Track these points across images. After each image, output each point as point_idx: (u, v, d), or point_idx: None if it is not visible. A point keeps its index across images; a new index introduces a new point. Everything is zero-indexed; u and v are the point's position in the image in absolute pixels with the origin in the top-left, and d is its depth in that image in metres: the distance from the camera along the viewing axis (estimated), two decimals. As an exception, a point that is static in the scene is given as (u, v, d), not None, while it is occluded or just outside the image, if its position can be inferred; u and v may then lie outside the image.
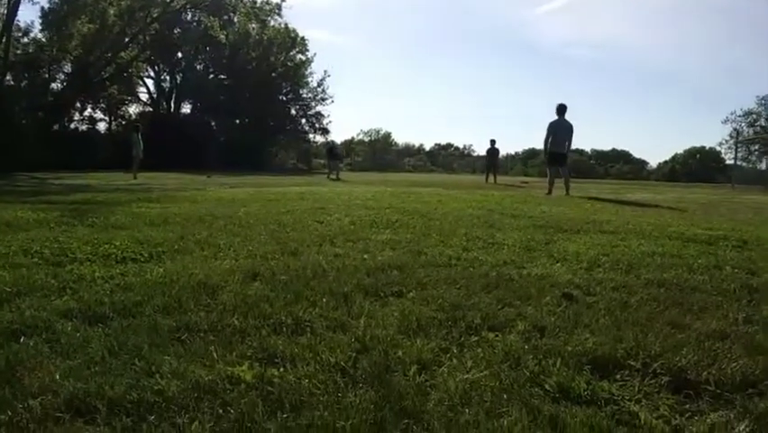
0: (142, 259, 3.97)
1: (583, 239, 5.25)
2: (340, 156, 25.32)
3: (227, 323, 2.58)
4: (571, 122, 12.37)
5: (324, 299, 2.97)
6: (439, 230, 5.60)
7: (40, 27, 30.82)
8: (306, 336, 2.46)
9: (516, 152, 57.09)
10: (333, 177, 22.41)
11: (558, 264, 4.04)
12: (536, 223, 6.34)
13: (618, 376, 2.12)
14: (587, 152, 55.19)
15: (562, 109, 12.31)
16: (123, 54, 30.69)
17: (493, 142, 23.74)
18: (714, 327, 2.65)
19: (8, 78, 28.20)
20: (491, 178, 22.13)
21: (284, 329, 2.53)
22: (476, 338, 2.47)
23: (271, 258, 4.04)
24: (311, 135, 44.55)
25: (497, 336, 2.51)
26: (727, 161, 40.38)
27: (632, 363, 2.21)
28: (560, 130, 12.28)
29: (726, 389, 2.02)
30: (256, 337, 2.42)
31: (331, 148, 27.24)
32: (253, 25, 37.81)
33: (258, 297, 3.00)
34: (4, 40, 26.57)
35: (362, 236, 5.10)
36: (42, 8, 30.05)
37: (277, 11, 38.33)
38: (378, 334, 2.47)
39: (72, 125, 34.24)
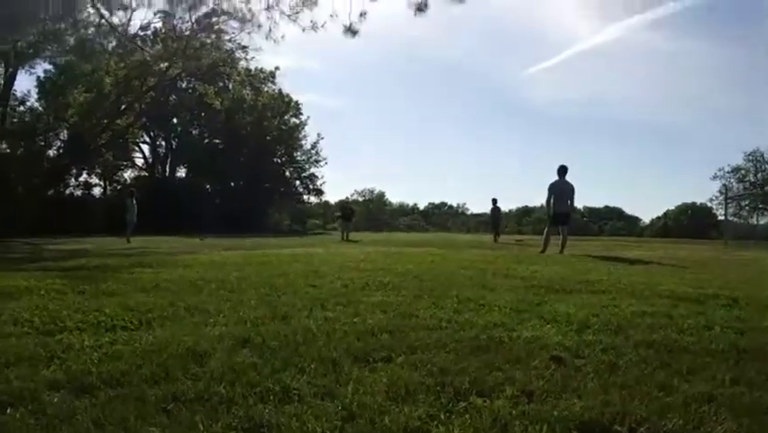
0: (132, 326, 3.97)
1: (574, 299, 5.26)
2: (351, 215, 25.36)
3: (214, 391, 2.58)
4: (572, 183, 12.63)
5: (313, 366, 2.97)
6: (431, 291, 5.61)
7: (36, 96, 31.44)
8: (294, 404, 2.46)
9: (509, 210, 57.65)
10: (345, 238, 22.60)
11: (548, 326, 4.05)
12: (528, 283, 6.35)
13: (605, 441, 2.12)
14: (580, 210, 55.78)
15: (563, 170, 12.57)
16: (118, 121, 31.10)
17: (495, 201, 24.05)
18: (701, 388, 2.66)
19: (4, 145, 28.55)
20: (496, 236, 22.32)
21: (271, 397, 2.53)
22: (464, 404, 2.47)
23: (261, 323, 4.04)
24: (305, 196, 45.00)
25: (485, 401, 2.51)
26: (719, 217, 40.75)
27: (618, 428, 2.22)
28: (562, 191, 12.52)
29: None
30: (243, 406, 2.42)
31: (343, 207, 27.15)
32: (248, 91, 38.64)
33: (246, 364, 3.00)
34: (0, 109, 27.03)
35: (354, 299, 5.11)
36: (39, 78, 30.66)
37: (271, 78, 39.34)
38: (365, 401, 2.47)
39: (68, 191, 34.51)
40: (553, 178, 12.73)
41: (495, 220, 23.96)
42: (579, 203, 53.97)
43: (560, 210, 12.62)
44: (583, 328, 3.98)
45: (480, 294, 5.48)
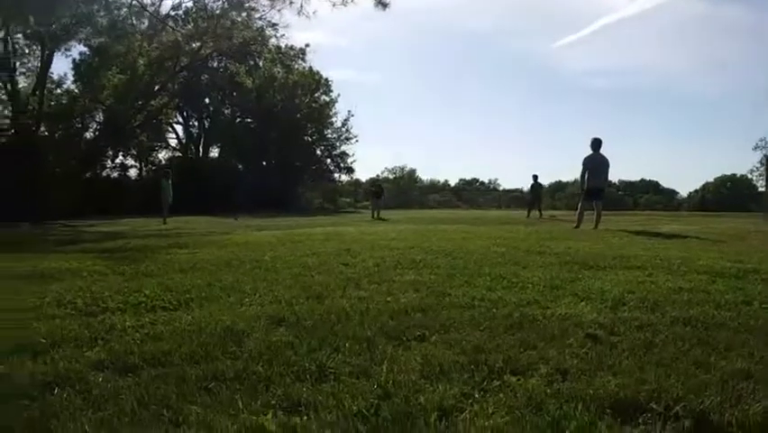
0: (171, 307, 4.07)
1: (609, 276, 5.23)
2: (381, 193, 25.54)
3: (252, 371, 2.65)
4: (606, 156, 12.48)
5: (348, 345, 3.02)
6: (463, 269, 5.63)
7: (72, 78, 32.01)
8: (330, 383, 2.51)
9: (548, 183, 57.13)
10: (376, 216, 22.70)
11: (583, 303, 4.03)
12: (562, 260, 6.32)
13: (640, 420, 2.12)
14: (615, 183, 54.83)
15: (597, 144, 12.42)
16: (152, 102, 31.51)
17: (536, 177, 23.83)
18: (739, 366, 2.63)
19: (42, 128, 29.16)
20: (534, 213, 22.13)
21: (308, 376, 2.58)
22: (498, 383, 2.49)
23: (296, 303, 4.10)
24: (336, 175, 45.05)
25: (519, 379, 2.53)
26: (760, 189, 39.74)
27: (654, 406, 2.21)
28: (597, 165, 12.39)
29: (749, 431, 2.01)
30: (280, 385, 2.47)
31: (373, 185, 27.50)
32: (278, 69, 38.67)
33: (282, 343, 3.06)
34: (38, 92, 27.57)
35: (387, 278, 5.15)
36: (74, 60, 31.19)
37: (301, 55, 39.20)
38: (400, 379, 2.51)
39: (104, 173, 35.14)
40: (587, 151, 12.58)
41: (535, 196, 23.72)
42: (614, 176, 53.21)
43: (594, 185, 12.48)
44: (618, 305, 3.95)
45: (513, 271, 5.47)
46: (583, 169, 12.50)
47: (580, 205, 13.10)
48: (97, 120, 33.10)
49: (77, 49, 28.66)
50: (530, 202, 23.91)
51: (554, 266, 5.85)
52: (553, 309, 3.82)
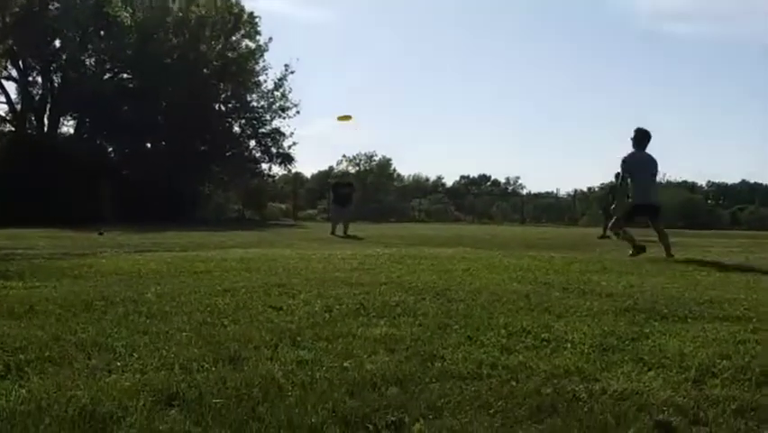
0: (-6, 373, 4.01)
1: (692, 331, 5.29)
2: (349, 197, 24.51)
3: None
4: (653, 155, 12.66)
5: (280, 438, 3.01)
6: (464, 318, 5.65)
7: None
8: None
9: (589, 188, 57.48)
10: (339, 233, 22.53)
11: (650, 373, 4.07)
12: (618, 305, 6.39)
13: None
14: (701, 187, 55.50)
15: (643, 137, 12.53)
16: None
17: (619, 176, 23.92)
18: None
19: None
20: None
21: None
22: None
23: (198, 369, 4.07)
24: (265, 166, 44.86)
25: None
26: None
27: None
28: (643, 168, 12.51)
29: None
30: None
31: (336, 185, 26.59)
32: (173, -3, 38.61)
33: (175, 433, 3.04)
34: None
35: (343, 331, 5.14)
36: None
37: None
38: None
39: None
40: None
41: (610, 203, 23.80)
42: (701, 178, 53.97)
43: (642, 201, 12.63)
44: (705, 377, 4.00)
45: (543, 322, 5.50)
46: (623, 174, 12.64)
47: (614, 223, 13.28)
48: None
49: None
50: (609, 213, 23.91)
51: (606, 315, 5.90)
52: (605, 383, 3.84)
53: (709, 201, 52.05)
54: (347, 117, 19.63)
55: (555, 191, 61.90)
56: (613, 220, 13.27)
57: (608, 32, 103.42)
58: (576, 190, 57.11)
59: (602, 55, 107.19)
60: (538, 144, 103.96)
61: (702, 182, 57.06)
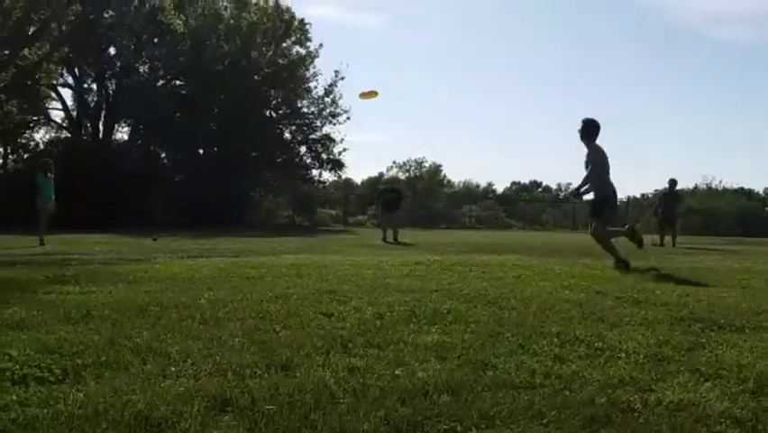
0: (53, 378, 4.07)
1: (749, 341, 5.24)
2: (396, 203, 24.06)
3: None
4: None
5: (333, 444, 3.03)
6: (516, 327, 5.64)
7: None
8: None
9: (642, 195, 56.80)
10: (390, 239, 22.33)
11: (707, 384, 4.04)
12: (673, 314, 6.35)
13: None
14: (758, 194, 54.45)
15: (598, 129, 12.42)
16: (26, 52, 31.59)
17: (673, 183, 23.57)
18: None
19: None
20: (665, 237, 21.96)
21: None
22: None
23: (250, 375, 4.11)
24: (315, 172, 44.85)
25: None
26: None
27: None
28: (608, 162, 12.51)
29: None
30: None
31: (383, 191, 26.31)
32: (226, 4, 38.84)
33: (229, 440, 3.07)
34: None
35: (394, 338, 5.17)
36: None
37: (261, -17, 39.44)
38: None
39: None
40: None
41: (669, 213, 23.39)
42: (755, 182, 52.86)
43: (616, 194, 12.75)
44: (764, 388, 3.96)
45: (596, 332, 5.48)
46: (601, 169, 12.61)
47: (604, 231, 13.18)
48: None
49: None
50: (662, 221, 23.56)
51: (662, 324, 5.86)
52: (660, 394, 3.81)
53: (767, 208, 51.02)
54: (372, 94, 19.41)
55: (657, 198, 61.18)
56: (599, 228, 12.99)
57: (667, 38, 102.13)
58: (629, 197, 56.50)
59: (660, 61, 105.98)
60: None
61: (760, 189, 55.95)
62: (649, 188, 59.70)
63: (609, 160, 12.29)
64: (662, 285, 8.45)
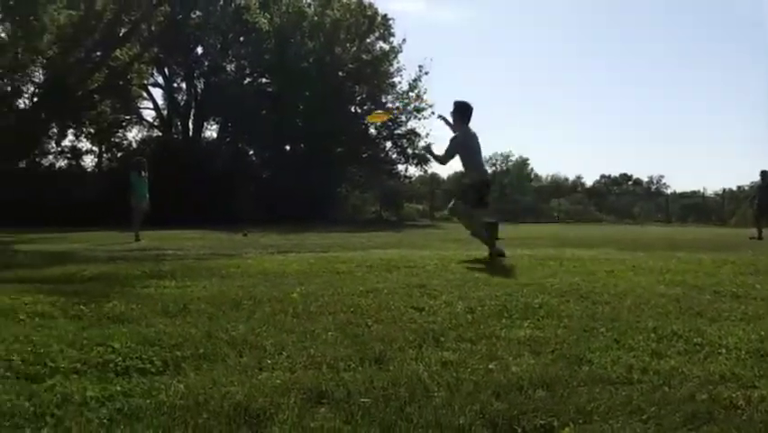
0: (154, 369, 4.19)
1: None
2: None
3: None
4: None
5: (430, 438, 3.06)
6: (611, 321, 5.60)
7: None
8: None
9: (738, 187, 55.56)
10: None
11: (813, 381, 3.96)
12: (776, 309, 6.22)
13: None
14: None
15: (468, 110, 12.37)
16: (118, 53, 32.17)
17: (765, 174, 23.09)
18: None
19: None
20: (761, 230, 21.52)
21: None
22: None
23: (345, 368, 4.17)
24: (401, 168, 44.91)
25: None
26: None
27: None
28: (478, 144, 12.50)
29: None
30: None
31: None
32: (309, 1, 39.06)
33: (326, 431, 3.13)
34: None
35: (486, 332, 5.17)
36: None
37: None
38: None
39: (44, 160, 35.96)
40: None
41: (766, 205, 22.86)
42: None
43: (486, 177, 13.15)
44: None
45: (695, 326, 5.40)
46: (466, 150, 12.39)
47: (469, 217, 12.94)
48: (35, 80, 33.71)
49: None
50: (758, 214, 23.07)
51: (763, 319, 5.76)
52: (765, 391, 3.75)
53: None
54: (381, 116, 18.98)
55: (702, 190, 59.96)
56: (458, 206, 12.82)
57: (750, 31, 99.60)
58: (725, 189, 55.34)
59: (746, 53, 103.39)
60: (682, 142, 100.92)
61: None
62: (745, 181, 58.29)
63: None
64: (762, 279, 8.27)
